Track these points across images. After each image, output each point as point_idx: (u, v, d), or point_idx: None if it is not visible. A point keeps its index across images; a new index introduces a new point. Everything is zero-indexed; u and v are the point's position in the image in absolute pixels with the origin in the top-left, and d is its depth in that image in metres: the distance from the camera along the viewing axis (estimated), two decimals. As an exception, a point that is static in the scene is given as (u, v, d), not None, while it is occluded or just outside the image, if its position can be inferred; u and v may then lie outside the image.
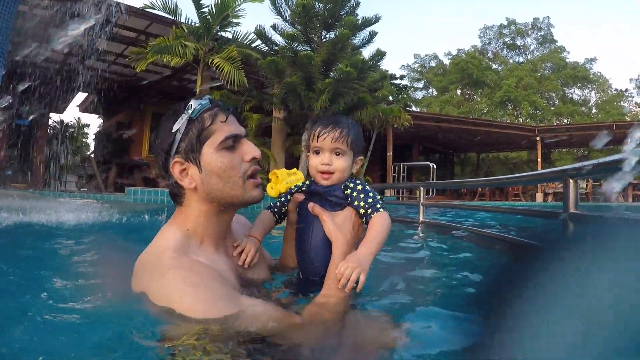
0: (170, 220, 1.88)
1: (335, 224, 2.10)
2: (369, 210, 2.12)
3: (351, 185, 2.20)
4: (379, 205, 2.13)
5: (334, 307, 1.86)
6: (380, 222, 2.07)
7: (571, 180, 3.44)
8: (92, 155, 23.54)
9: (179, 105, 1.87)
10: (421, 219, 7.18)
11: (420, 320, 1.93)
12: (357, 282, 1.80)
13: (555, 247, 0.93)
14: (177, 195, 1.88)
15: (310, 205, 2.18)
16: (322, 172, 2.17)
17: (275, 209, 2.36)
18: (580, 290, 0.77)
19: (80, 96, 23.98)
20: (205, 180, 1.81)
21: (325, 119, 2.24)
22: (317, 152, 2.20)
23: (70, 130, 30.26)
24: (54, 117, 24.29)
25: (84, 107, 25.63)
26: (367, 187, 2.21)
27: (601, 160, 2.99)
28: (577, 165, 3.51)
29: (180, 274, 1.59)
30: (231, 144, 1.86)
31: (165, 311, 1.50)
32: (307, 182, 2.34)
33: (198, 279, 1.60)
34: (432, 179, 24.12)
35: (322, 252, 2.14)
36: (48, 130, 21.22)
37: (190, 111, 1.81)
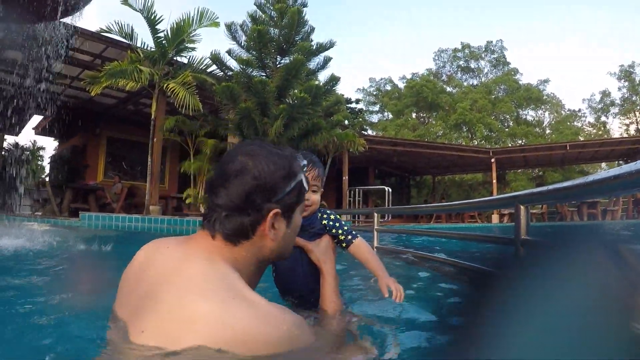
0: (215, 256, 1.64)
1: (320, 252, 2.59)
2: (349, 237, 2.65)
3: (325, 216, 2.66)
4: (354, 232, 2.68)
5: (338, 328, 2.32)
6: (366, 247, 2.69)
7: (522, 207, 3.52)
8: (47, 179, 23.21)
9: (289, 152, 1.79)
10: (375, 244, 7.28)
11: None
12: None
13: (505, 272, 0.96)
14: (241, 234, 1.67)
15: None
16: None
17: None
18: (528, 315, 0.78)
19: (36, 119, 23.73)
20: (287, 237, 1.78)
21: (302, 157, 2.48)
22: None
23: (26, 153, 29.79)
24: (9, 139, 23.96)
25: (40, 130, 25.26)
26: (338, 216, 2.69)
27: (551, 187, 3.19)
28: (527, 191, 3.65)
29: (292, 315, 1.57)
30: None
31: (288, 352, 1.47)
32: None
33: (301, 318, 1.63)
34: (388, 203, 24.32)
35: (308, 276, 2.60)
36: (2, 152, 20.90)
37: (304, 175, 1.81)
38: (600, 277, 0.80)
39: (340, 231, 2.65)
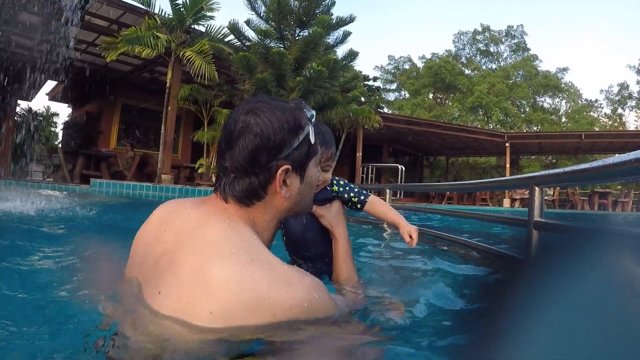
0: (235, 218, 1.60)
1: (332, 216, 2.65)
2: (362, 197, 2.74)
3: (334, 182, 2.69)
4: (365, 192, 2.78)
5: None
6: (380, 202, 2.82)
7: (537, 188, 3.43)
8: (60, 145, 23.18)
9: (294, 104, 1.69)
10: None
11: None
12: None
13: (520, 257, 0.91)
14: (252, 195, 1.61)
15: None
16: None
17: None
18: (540, 302, 0.75)
19: (50, 84, 23.65)
20: (302, 192, 1.73)
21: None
22: None
23: (39, 118, 29.82)
24: (22, 104, 23.90)
25: (53, 96, 25.19)
26: (343, 181, 2.73)
27: (568, 169, 3.06)
28: (543, 173, 3.51)
29: (312, 278, 1.52)
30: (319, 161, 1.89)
31: (307, 315, 1.44)
32: None
33: (321, 282, 1.57)
34: (401, 181, 24.15)
35: (319, 239, 2.66)
36: (15, 117, 20.87)
37: (312, 126, 1.72)
38: (618, 268, 0.74)
39: (352, 194, 2.73)
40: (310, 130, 1.69)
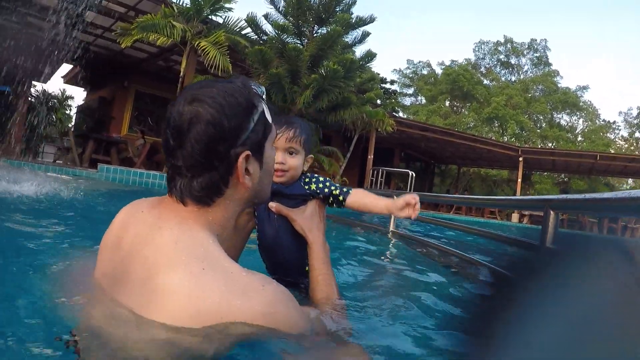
0: (189, 221, 1.44)
1: (305, 219, 2.32)
2: (345, 189, 2.40)
3: (313, 180, 2.40)
4: (345, 189, 2.41)
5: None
6: (364, 192, 2.43)
7: (552, 212, 3.18)
8: (71, 128, 23.23)
9: (241, 83, 1.52)
10: (391, 228, 6.98)
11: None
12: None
13: (528, 280, 0.89)
14: (213, 192, 1.46)
15: (273, 205, 2.30)
16: (276, 170, 2.25)
17: None
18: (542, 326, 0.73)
19: (66, 67, 23.73)
20: (262, 178, 1.59)
21: (278, 120, 2.24)
22: None
23: (53, 101, 29.92)
24: (37, 86, 23.97)
25: (68, 79, 25.35)
26: (322, 178, 2.44)
27: (589, 196, 2.87)
28: (561, 197, 3.28)
29: (275, 287, 1.37)
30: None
31: (266, 330, 1.29)
32: None
33: (286, 291, 1.42)
34: (411, 188, 24.00)
35: (292, 247, 2.35)
36: (29, 98, 20.88)
37: (265, 104, 1.58)
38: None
39: (333, 188, 2.40)
40: (265, 108, 1.56)
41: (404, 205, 2.20)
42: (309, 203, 2.38)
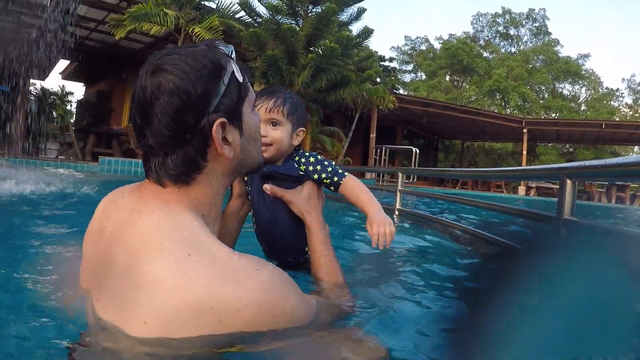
0: (171, 203, 1.32)
1: (302, 201, 2.17)
2: (335, 178, 2.19)
3: (303, 160, 2.22)
4: (340, 171, 2.21)
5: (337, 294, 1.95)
6: (357, 184, 2.19)
7: (569, 181, 3.02)
8: (72, 123, 23.28)
9: (205, 45, 1.39)
10: (397, 206, 6.83)
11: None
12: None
13: (544, 253, 0.84)
14: (191, 169, 1.33)
15: (267, 187, 2.17)
16: None
17: None
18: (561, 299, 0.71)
19: (63, 63, 23.75)
20: (244, 146, 1.45)
21: (260, 91, 2.16)
22: None
23: (53, 97, 29.91)
24: (36, 83, 23.99)
25: (66, 75, 25.40)
26: (318, 156, 2.25)
27: (609, 161, 2.67)
28: (578, 164, 3.12)
29: (271, 271, 1.25)
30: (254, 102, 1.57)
31: (263, 319, 1.17)
32: None
33: (284, 274, 1.31)
34: (415, 164, 23.96)
35: (290, 230, 2.22)
36: (28, 96, 20.88)
37: (235, 63, 1.42)
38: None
39: (323, 175, 2.20)
40: (235, 67, 1.40)
41: (380, 225, 2.00)
42: (305, 183, 2.23)
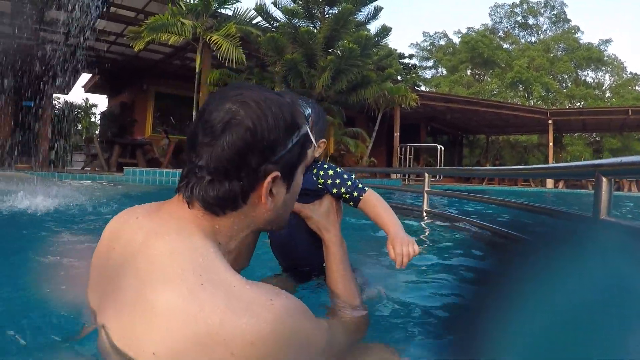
0: (190, 227, 1.28)
1: (320, 217, 2.08)
2: (355, 193, 2.10)
3: (321, 173, 2.12)
4: (360, 185, 2.11)
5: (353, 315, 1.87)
6: (377, 200, 2.12)
7: (604, 179, 2.84)
8: (96, 135, 23.58)
9: (290, 99, 1.39)
10: (425, 207, 6.74)
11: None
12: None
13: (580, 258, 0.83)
14: (228, 204, 1.29)
15: None
16: None
17: None
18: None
19: (85, 77, 24.07)
20: (286, 203, 1.44)
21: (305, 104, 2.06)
22: None
23: (77, 110, 30.41)
24: (60, 98, 24.37)
25: (89, 88, 25.84)
26: (337, 169, 2.15)
27: None
28: (614, 160, 2.95)
29: (285, 300, 1.18)
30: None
31: (277, 348, 1.11)
32: None
33: (299, 303, 1.23)
34: (440, 162, 23.80)
35: (307, 246, 2.16)
36: (53, 110, 21.21)
37: (308, 126, 1.44)
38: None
39: (342, 189, 2.11)
40: (308, 131, 1.41)
41: (404, 244, 1.92)
42: (323, 197, 2.14)
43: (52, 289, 1.92)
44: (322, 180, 2.12)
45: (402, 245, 1.90)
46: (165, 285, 1.13)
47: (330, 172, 2.13)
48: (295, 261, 2.24)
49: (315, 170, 2.14)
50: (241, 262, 2.17)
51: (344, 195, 2.12)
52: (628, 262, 0.74)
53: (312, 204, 2.11)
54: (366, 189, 2.14)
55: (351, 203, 2.13)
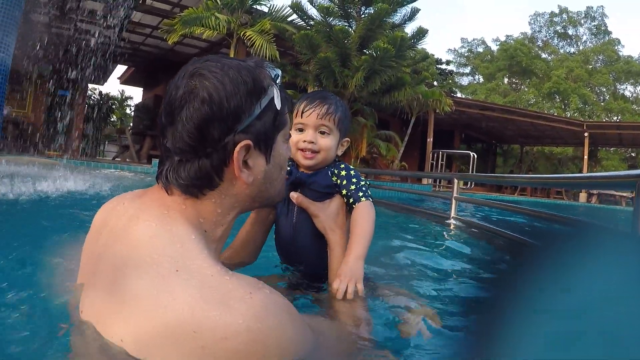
0: (172, 213, 1.21)
1: (328, 217, 2.01)
2: (351, 200, 2.02)
3: (336, 171, 2.07)
4: (361, 194, 2.02)
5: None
6: (363, 216, 1.97)
7: None
8: (129, 127, 23.85)
9: (254, 63, 1.29)
10: (453, 214, 6.48)
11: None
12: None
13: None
14: (203, 183, 1.23)
15: (294, 195, 2.02)
16: (304, 150, 2.00)
17: None
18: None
19: (121, 69, 24.35)
20: (269, 174, 1.35)
21: (311, 94, 2.09)
22: (300, 130, 2.03)
23: (112, 102, 30.86)
24: (95, 88, 24.71)
25: (124, 80, 26.17)
26: (352, 171, 2.09)
27: None
28: None
29: (266, 295, 1.10)
30: (289, 135, 1.47)
31: (252, 349, 1.01)
32: (289, 164, 2.09)
33: (281, 299, 1.14)
34: (473, 169, 23.54)
35: (311, 247, 2.06)
36: (87, 101, 21.48)
37: (278, 88, 1.33)
38: None
39: (344, 191, 2.03)
40: (276, 94, 1.30)
41: (348, 279, 1.78)
42: (334, 198, 2.06)
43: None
44: (336, 178, 2.04)
45: (345, 282, 1.78)
46: (138, 270, 1.08)
47: (343, 172, 2.07)
48: (297, 260, 2.12)
49: (333, 168, 2.06)
50: (244, 255, 2.01)
51: (349, 192, 2.02)
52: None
53: (322, 202, 2.04)
54: (363, 199, 2.02)
55: (351, 200, 2.02)
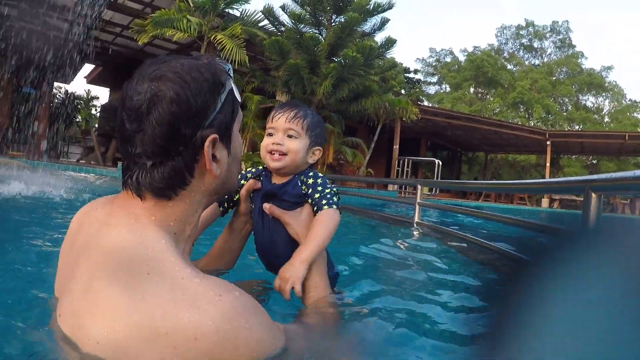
0: (140, 218, 1.24)
1: (299, 224, 2.05)
2: (315, 208, 2.06)
3: (305, 179, 2.11)
4: (324, 202, 2.05)
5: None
6: (321, 222, 2.01)
7: (594, 195, 2.78)
8: (95, 128, 23.49)
9: (207, 59, 1.33)
10: (416, 219, 6.68)
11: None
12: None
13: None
14: (177, 183, 1.26)
15: (266, 206, 2.06)
16: (272, 152, 2.06)
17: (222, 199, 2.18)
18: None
19: (88, 67, 23.98)
20: (230, 166, 1.40)
21: (284, 103, 2.16)
22: (270, 135, 2.09)
23: (77, 101, 30.27)
24: (61, 87, 24.27)
25: (91, 79, 25.70)
26: (319, 179, 2.13)
27: (639, 173, 2.47)
28: (604, 176, 2.89)
29: (236, 297, 1.14)
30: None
31: (222, 350, 1.06)
32: (261, 167, 2.22)
33: (250, 301, 1.19)
34: (438, 176, 23.79)
35: (287, 253, 2.03)
36: (52, 99, 21.08)
37: (231, 78, 1.38)
38: None
39: (316, 195, 2.07)
40: (233, 86, 1.37)
41: (289, 281, 1.85)
42: (305, 206, 2.12)
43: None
44: (305, 187, 2.10)
45: (285, 282, 1.85)
46: (111, 275, 1.11)
47: (310, 180, 2.11)
48: (277, 265, 2.10)
49: (302, 177, 2.12)
50: (221, 263, 2.11)
51: (313, 201, 2.07)
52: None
53: (294, 211, 2.09)
54: (325, 207, 2.05)
55: (315, 208, 2.07)
